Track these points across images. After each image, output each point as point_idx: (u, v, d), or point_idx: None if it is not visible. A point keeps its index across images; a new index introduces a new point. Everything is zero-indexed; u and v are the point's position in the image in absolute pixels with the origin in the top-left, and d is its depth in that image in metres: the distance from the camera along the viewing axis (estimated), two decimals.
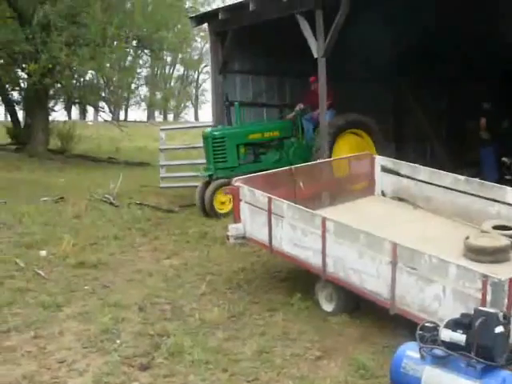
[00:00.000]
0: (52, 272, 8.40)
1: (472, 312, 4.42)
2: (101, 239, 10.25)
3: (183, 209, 13.15)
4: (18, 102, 29.11)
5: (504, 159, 12.17)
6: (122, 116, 64.22)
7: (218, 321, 6.55)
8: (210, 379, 5.11)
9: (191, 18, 15.31)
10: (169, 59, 66.34)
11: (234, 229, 7.59)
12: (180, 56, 69.19)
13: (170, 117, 77.01)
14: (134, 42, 30.38)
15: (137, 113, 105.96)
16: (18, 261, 8.74)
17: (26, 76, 24.96)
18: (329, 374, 5.24)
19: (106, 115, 32.64)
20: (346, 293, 6.50)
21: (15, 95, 29.12)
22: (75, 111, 58.13)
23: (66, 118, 43.63)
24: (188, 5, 37.62)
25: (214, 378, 5.13)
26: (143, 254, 9.62)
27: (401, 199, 8.61)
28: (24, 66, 24.15)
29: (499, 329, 4.28)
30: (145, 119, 65.19)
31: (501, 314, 4.37)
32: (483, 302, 4.94)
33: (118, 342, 5.92)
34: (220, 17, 13.97)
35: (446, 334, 4.41)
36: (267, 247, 7.34)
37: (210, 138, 12.40)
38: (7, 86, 27.75)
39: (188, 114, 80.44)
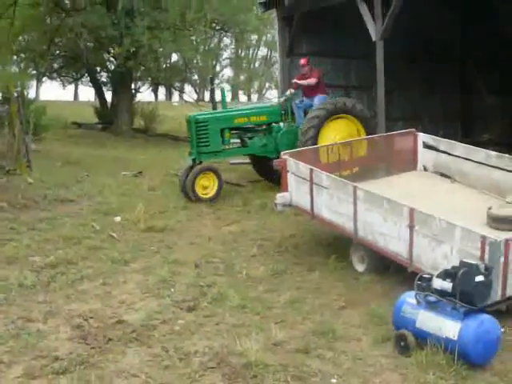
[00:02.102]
0: (124, 234, 9.48)
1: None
2: (171, 208, 11.31)
3: (251, 183, 14.00)
4: (105, 84, 30.78)
5: None
6: (206, 97, 65.80)
7: (262, 277, 7.45)
8: (243, 320, 6.01)
9: (259, 3, 16.19)
10: (253, 41, 67.41)
11: (281, 197, 8.48)
12: (264, 38, 70.18)
13: (255, 97, 77.88)
14: (217, 26, 31.54)
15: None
16: (95, 224, 9.90)
17: (111, 59, 26.45)
18: (347, 320, 6.06)
19: (189, 96, 34.02)
20: (375, 254, 7.25)
21: (103, 77, 30.85)
22: (162, 92, 60.09)
23: (153, 99, 45.41)
24: None
25: (247, 319, 6.02)
26: (207, 221, 10.57)
27: (441, 174, 9.23)
28: (110, 49, 25.69)
29: (479, 278, 5.01)
30: (229, 100, 66.54)
31: (482, 266, 5.08)
32: (482, 260, 5.61)
33: (172, 290, 6.91)
34: (286, 2, 14.77)
35: (437, 283, 5.16)
36: (309, 213, 8.18)
37: (193, 122, 12.19)
38: (97, 68, 29.42)
39: (272, 95, 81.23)
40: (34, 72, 30.18)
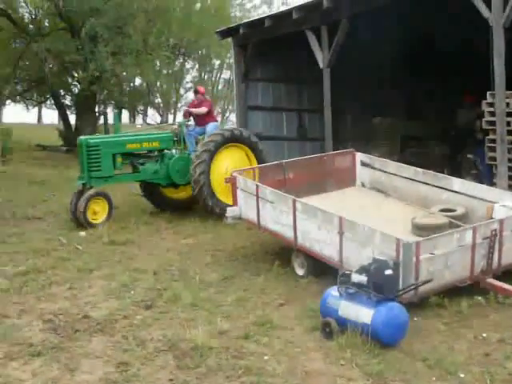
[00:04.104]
0: (88, 247, 10.30)
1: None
2: (132, 224, 12.09)
3: None
4: (69, 107, 31.50)
5: (469, 156, 13.65)
6: (170, 119, 66.68)
7: (213, 281, 8.34)
8: (194, 315, 6.90)
9: (217, 32, 17.23)
10: (215, 65, 68.67)
11: (231, 211, 9.41)
12: (227, 61, 71.49)
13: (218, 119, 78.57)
14: (179, 51, 32.56)
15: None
16: (62, 238, 10.72)
17: (75, 83, 27.27)
18: (284, 314, 7.00)
19: (151, 119, 34.97)
20: (313, 260, 8.20)
21: (67, 101, 31.58)
22: (126, 115, 60.79)
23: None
24: (235, 13, 39.91)
25: (197, 315, 6.92)
26: (165, 235, 11.43)
27: (377, 189, 10.25)
28: (74, 73, 26.51)
29: (388, 272, 5.98)
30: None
31: (391, 262, 6.07)
32: (398, 260, 6.59)
33: (132, 292, 7.77)
34: (241, 31, 15.82)
35: (355, 277, 6.13)
36: (256, 225, 9.10)
37: (85, 146, 11.98)
38: (61, 91, 30.15)
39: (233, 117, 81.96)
40: None
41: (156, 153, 13.03)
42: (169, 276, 8.66)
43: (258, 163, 12.25)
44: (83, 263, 9.16)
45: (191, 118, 13.32)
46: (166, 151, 13.02)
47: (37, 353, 5.73)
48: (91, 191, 11.87)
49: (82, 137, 12.79)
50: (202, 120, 13.21)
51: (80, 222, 11.65)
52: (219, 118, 75.33)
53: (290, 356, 5.77)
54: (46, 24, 28.41)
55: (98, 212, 11.91)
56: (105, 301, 7.44)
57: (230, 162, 12.38)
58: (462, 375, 5.32)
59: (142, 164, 12.84)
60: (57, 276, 8.46)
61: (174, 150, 13.08)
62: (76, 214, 11.72)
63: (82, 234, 11.25)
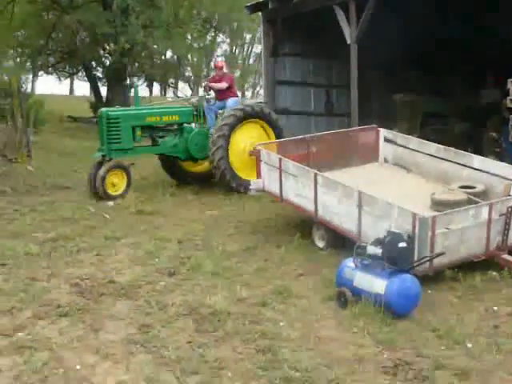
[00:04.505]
0: (116, 216, 10.61)
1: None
2: (159, 195, 12.40)
3: None
4: (100, 79, 31.86)
5: (492, 134, 13.64)
6: (200, 93, 66.84)
7: (235, 251, 8.59)
8: (214, 282, 7.16)
9: (246, 7, 17.32)
10: (247, 39, 68.49)
11: (254, 183, 9.65)
12: (258, 35, 71.19)
13: (248, 94, 78.70)
14: (211, 24, 32.64)
15: None
16: (91, 208, 11.04)
17: (107, 55, 27.55)
18: (302, 283, 7.22)
19: (181, 92, 35.20)
20: (333, 233, 8.39)
21: (98, 73, 31.93)
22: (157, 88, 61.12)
23: (147, 95, 46.49)
24: None
25: (217, 282, 7.17)
26: (191, 207, 11.70)
27: (399, 165, 10.36)
28: (105, 46, 26.80)
29: (402, 244, 6.16)
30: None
31: (405, 235, 6.24)
32: (414, 234, 6.75)
33: (157, 260, 8.05)
34: (270, 6, 15.89)
35: (370, 249, 6.32)
36: (278, 197, 9.30)
37: (105, 118, 12.09)
38: (92, 63, 30.52)
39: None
40: (31, 66, 31.24)
41: (176, 126, 13.15)
42: (192, 245, 8.92)
43: (275, 134, 12.49)
44: (110, 231, 9.47)
45: (211, 92, 13.42)
46: (185, 125, 13.13)
47: (64, 313, 6.05)
48: (111, 163, 12.02)
49: (102, 109, 12.93)
50: (222, 95, 13.28)
51: (99, 195, 11.81)
52: (249, 92, 75.77)
53: (304, 323, 6.00)
54: None
55: (117, 184, 12.06)
56: (130, 267, 7.73)
57: (247, 137, 12.51)
58: (469, 345, 5.50)
59: (162, 137, 13.00)
60: (84, 243, 8.77)
61: (193, 124, 13.18)
62: (95, 186, 11.89)
63: (110, 203, 11.56)
